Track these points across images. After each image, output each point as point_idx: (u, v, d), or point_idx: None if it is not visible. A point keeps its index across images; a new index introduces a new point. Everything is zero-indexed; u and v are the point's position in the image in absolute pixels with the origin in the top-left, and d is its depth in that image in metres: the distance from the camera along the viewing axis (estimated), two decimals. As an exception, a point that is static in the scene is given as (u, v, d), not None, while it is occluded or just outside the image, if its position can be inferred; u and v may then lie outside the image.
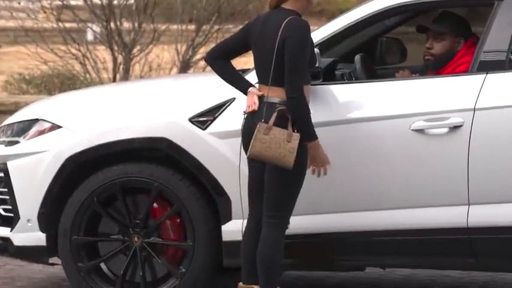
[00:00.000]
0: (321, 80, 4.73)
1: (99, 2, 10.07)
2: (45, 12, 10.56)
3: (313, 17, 16.31)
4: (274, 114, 4.32)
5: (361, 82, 4.93)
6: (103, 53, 10.19)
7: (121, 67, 10.12)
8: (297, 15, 4.37)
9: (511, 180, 4.65)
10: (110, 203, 4.95)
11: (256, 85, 4.46)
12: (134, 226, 4.90)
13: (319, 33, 4.87)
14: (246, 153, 4.43)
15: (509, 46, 4.71)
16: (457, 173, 4.68)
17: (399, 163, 4.72)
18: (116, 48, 10.07)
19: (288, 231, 4.49)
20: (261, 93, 4.38)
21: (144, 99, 5.02)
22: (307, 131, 4.34)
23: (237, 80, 4.50)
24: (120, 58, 10.13)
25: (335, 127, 4.75)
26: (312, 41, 4.43)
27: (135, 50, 10.13)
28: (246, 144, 4.44)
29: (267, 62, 4.35)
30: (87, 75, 10.27)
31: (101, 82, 10.05)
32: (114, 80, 10.07)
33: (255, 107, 4.37)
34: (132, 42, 10.19)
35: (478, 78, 4.73)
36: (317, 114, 4.66)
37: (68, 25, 10.40)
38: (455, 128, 4.68)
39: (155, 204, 4.93)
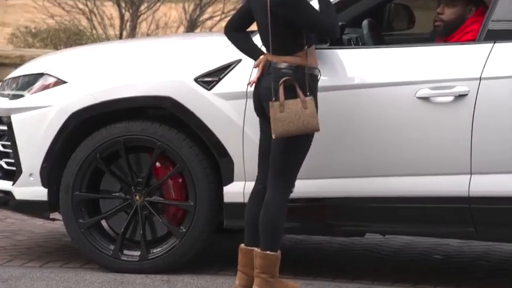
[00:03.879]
0: (328, 44, 4.71)
1: None
2: None
3: None
4: (281, 87, 4.31)
5: (368, 48, 4.91)
6: (110, 9, 10.15)
7: (128, 24, 10.11)
8: None
9: (513, 151, 4.65)
10: (113, 160, 4.95)
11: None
12: (136, 184, 4.91)
13: (328, -3, 4.84)
14: (257, 114, 4.46)
15: (517, 15, 4.69)
16: (460, 142, 4.67)
17: (403, 130, 4.71)
18: (123, 5, 10.03)
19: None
20: (261, 67, 4.38)
21: (150, 58, 5.00)
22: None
23: (249, 51, 4.52)
24: (127, 15, 10.10)
25: (341, 92, 4.73)
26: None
27: (142, 8, 10.09)
28: (257, 111, 4.47)
29: (265, 31, 4.36)
30: (94, 31, 10.25)
31: (107, 38, 10.04)
32: (120, 37, 10.06)
33: (259, 72, 4.40)
34: (139, 0, 10.12)
35: (485, 47, 4.70)
36: (323, 79, 4.66)
37: None
38: (460, 96, 4.67)
39: (158, 164, 4.93)
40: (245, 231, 4.55)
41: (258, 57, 4.46)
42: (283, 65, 4.35)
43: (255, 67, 4.46)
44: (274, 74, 4.35)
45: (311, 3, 4.38)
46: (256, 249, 4.45)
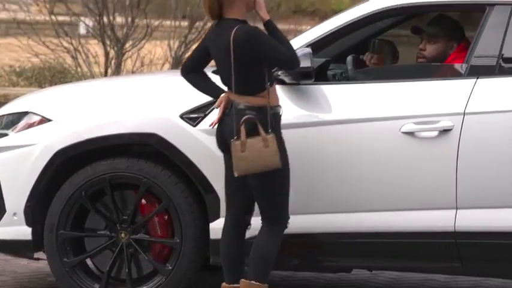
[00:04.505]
0: (313, 79, 4.74)
1: None
2: (38, 4, 10.59)
3: (306, 17, 16.42)
4: (243, 127, 4.33)
5: (353, 83, 4.93)
6: (95, 47, 10.21)
7: (113, 62, 10.14)
8: (243, 22, 4.39)
9: (499, 186, 4.66)
10: (98, 198, 4.93)
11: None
12: (121, 222, 4.89)
13: (312, 33, 4.87)
14: (221, 151, 4.48)
15: (500, 51, 4.73)
16: (445, 176, 4.69)
17: (389, 165, 4.72)
18: (108, 42, 10.10)
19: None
20: (222, 108, 4.41)
21: (135, 95, 5.01)
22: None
23: (210, 90, 4.54)
24: (112, 52, 10.15)
25: (326, 127, 4.75)
26: (268, 37, 4.42)
27: (127, 45, 10.17)
28: (221, 147, 4.48)
29: (227, 75, 4.39)
30: (79, 69, 10.29)
31: (92, 76, 10.08)
32: (105, 75, 10.09)
33: (220, 113, 4.43)
34: (124, 36, 10.22)
35: (468, 82, 4.74)
36: (308, 114, 4.68)
37: (60, 18, 10.41)
38: (445, 131, 4.69)
39: (143, 201, 4.92)
40: (223, 268, 4.53)
41: (219, 95, 4.47)
42: (245, 106, 4.37)
43: (217, 106, 4.46)
44: (236, 114, 4.36)
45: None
46: (237, 285, 4.43)
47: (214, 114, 4.62)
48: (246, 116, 4.34)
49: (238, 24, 4.35)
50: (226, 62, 4.37)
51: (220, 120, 4.46)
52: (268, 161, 4.31)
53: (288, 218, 4.49)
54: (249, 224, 4.57)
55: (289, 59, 4.42)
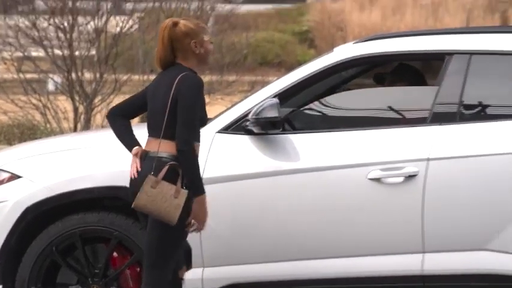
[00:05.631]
0: (281, 129, 4.83)
1: (61, 53, 10.21)
2: (5, 63, 10.63)
3: (273, 68, 16.65)
4: (165, 168, 4.32)
5: (320, 131, 5.02)
6: (64, 103, 10.26)
7: (82, 117, 10.23)
8: (191, 71, 4.42)
9: (464, 229, 4.76)
10: (69, 253, 4.95)
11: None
12: (93, 276, 4.90)
13: (278, 84, 4.98)
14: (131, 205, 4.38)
15: (460, 99, 4.87)
16: (412, 221, 4.78)
17: (356, 211, 4.80)
18: (77, 98, 10.18)
19: (251, 278, 4.53)
20: (137, 162, 4.39)
21: (104, 149, 5.05)
22: (195, 184, 4.33)
23: (125, 138, 4.50)
24: (81, 108, 10.23)
25: (294, 175, 4.82)
26: (204, 98, 4.46)
27: (96, 100, 10.25)
28: (132, 195, 4.39)
29: (159, 116, 4.37)
30: (48, 125, 10.33)
31: (62, 132, 10.11)
32: (75, 130, 10.13)
33: (135, 166, 4.38)
34: (93, 92, 10.30)
35: (431, 129, 4.86)
36: (277, 163, 4.76)
37: (28, 76, 10.48)
38: (410, 177, 4.79)
39: (115, 254, 4.94)
40: None
41: (131, 145, 4.43)
42: (165, 154, 4.34)
43: (134, 156, 4.41)
44: (157, 162, 4.32)
45: None
46: None
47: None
48: (172, 162, 4.33)
49: (186, 71, 4.38)
50: (161, 105, 4.34)
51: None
52: (169, 211, 4.27)
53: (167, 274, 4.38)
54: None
55: (182, 140, 4.31)
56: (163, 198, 4.28)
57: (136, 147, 4.44)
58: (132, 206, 4.35)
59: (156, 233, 4.35)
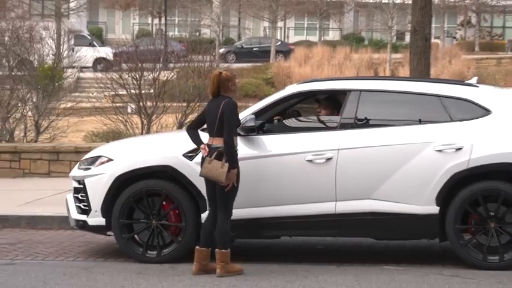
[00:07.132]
0: (256, 132, 8.68)
1: (134, 92, 16.32)
2: (105, 98, 17.73)
3: (252, 98, 28.19)
4: (215, 153, 8.12)
5: (279, 134, 8.82)
6: (136, 119, 16.82)
7: (145, 127, 16.51)
8: (229, 98, 8.22)
9: (358, 187, 8.47)
10: (140, 201, 8.83)
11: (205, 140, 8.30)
12: (153, 214, 8.77)
13: (254, 107, 8.86)
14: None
15: (355, 115, 8.66)
16: (330, 184, 8.55)
17: (298, 179, 8.60)
18: (142, 116, 16.59)
19: (233, 217, 8.29)
20: (206, 149, 8.13)
21: (158, 143, 9.00)
22: (232, 162, 8.10)
23: (197, 140, 8.29)
24: (144, 122, 16.51)
25: (263, 159, 8.64)
26: (237, 112, 8.23)
27: (153, 117, 16.63)
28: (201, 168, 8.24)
29: (213, 125, 8.19)
30: (127, 131, 16.43)
31: (134, 135, 16.18)
32: (141, 133, 16.45)
33: (205, 152, 8.17)
34: (151, 113, 16.51)
35: (340, 132, 8.68)
36: (252, 151, 8.59)
37: (117, 104, 17.05)
38: (328, 159, 8.59)
39: (164, 202, 8.79)
40: (201, 238, 8.25)
41: (200, 143, 8.20)
42: (218, 145, 8.17)
43: (203, 148, 8.20)
44: (212, 149, 8.07)
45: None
46: (206, 249, 8.24)
47: (200, 154, 8.58)
48: (219, 149, 8.11)
49: (226, 98, 8.13)
50: (214, 117, 8.04)
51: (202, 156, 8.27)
52: (218, 175, 8.02)
53: (232, 211, 8.13)
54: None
55: (227, 137, 8.02)
56: (215, 168, 8.02)
57: (203, 144, 8.21)
58: (199, 175, 8.17)
59: (222, 191, 8.07)
